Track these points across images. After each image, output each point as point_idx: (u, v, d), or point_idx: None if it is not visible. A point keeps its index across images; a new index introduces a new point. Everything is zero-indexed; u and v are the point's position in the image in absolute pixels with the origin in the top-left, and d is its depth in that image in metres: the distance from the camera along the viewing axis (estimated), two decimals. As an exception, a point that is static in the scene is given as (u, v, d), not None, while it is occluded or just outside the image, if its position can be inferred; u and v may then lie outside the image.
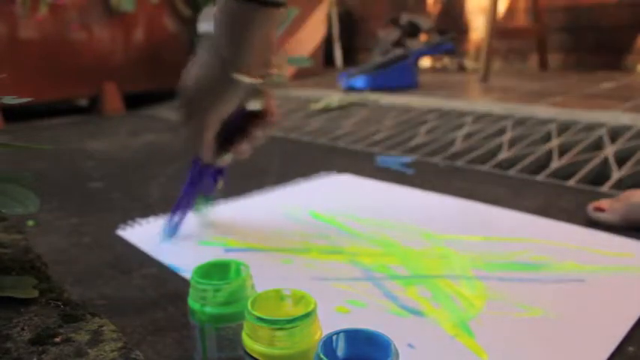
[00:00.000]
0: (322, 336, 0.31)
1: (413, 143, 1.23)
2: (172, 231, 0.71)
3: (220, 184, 0.71)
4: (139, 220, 0.78)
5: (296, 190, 0.91)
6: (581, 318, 0.49)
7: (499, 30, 2.10)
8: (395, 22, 2.66)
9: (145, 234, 0.73)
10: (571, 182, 0.91)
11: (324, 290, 0.56)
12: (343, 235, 0.71)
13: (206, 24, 0.58)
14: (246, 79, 0.56)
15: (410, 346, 0.45)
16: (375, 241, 0.69)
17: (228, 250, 0.67)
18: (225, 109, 0.59)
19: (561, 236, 0.67)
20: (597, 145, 1.08)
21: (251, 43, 0.54)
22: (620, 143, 1.05)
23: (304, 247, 0.67)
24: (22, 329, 0.41)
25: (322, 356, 0.28)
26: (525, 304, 0.52)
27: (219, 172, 0.70)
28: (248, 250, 0.67)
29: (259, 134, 0.64)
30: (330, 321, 0.48)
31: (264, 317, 0.33)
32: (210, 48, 0.57)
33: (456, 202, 0.82)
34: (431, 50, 2.23)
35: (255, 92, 0.60)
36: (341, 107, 1.70)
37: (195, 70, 0.59)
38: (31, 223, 0.79)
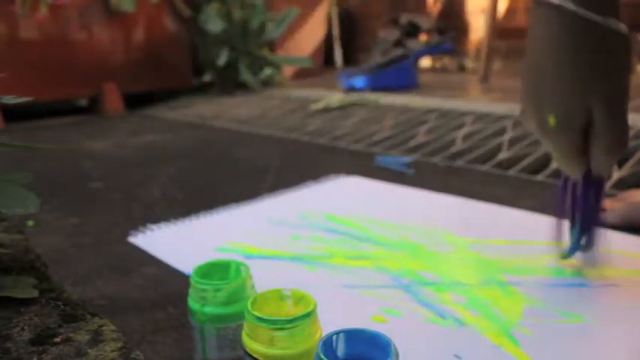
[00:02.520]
0: (322, 336, 0.31)
1: (413, 143, 1.23)
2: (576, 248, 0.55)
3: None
4: (150, 225, 0.77)
5: (308, 194, 0.88)
6: (622, 324, 0.47)
7: (499, 30, 2.09)
8: (395, 22, 2.66)
9: (157, 240, 0.71)
10: (571, 182, 0.91)
11: (356, 298, 0.54)
12: (365, 239, 0.68)
13: None
14: (622, 26, 0.41)
15: (457, 357, 0.44)
16: (398, 245, 0.66)
17: (248, 257, 0.64)
18: (621, 78, 0.41)
19: None
20: (597, 145, 1.08)
21: None
22: (620, 143, 1.05)
23: (327, 253, 0.65)
24: (22, 329, 0.41)
25: (322, 356, 0.28)
26: (563, 310, 0.50)
27: (597, 185, 0.51)
28: (269, 258, 0.64)
29: None
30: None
31: (264, 317, 0.33)
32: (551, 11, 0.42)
33: (471, 204, 0.80)
34: (431, 50, 2.23)
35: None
36: (341, 107, 1.70)
37: (536, 43, 0.44)
38: (31, 223, 0.79)
